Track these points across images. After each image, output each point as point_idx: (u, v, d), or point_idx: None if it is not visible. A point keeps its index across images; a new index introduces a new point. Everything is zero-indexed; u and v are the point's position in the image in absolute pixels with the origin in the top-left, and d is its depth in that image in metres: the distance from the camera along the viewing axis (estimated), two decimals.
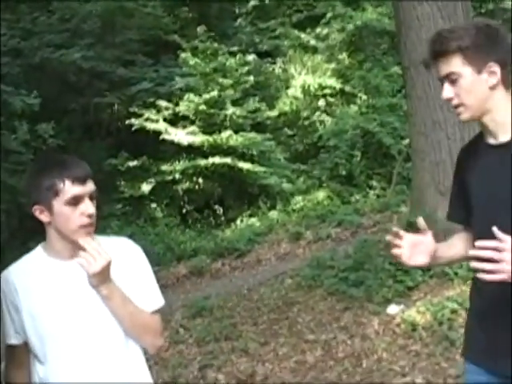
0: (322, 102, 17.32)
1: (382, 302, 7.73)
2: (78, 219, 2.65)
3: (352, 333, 7.30)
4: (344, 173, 15.49)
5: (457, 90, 2.58)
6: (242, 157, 15.65)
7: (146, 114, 15.62)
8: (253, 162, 15.61)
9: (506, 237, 2.32)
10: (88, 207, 2.68)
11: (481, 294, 2.75)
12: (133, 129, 15.66)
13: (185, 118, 15.88)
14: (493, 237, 2.37)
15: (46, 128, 14.02)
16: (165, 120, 15.73)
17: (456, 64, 2.56)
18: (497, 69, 2.56)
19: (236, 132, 15.61)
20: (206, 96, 15.65)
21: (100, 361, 2.73)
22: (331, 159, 15.55)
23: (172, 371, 7.41)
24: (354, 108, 16.57)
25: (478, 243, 2.36)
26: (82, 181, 2.69)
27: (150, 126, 15.56)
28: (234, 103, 16.07)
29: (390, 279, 8.05)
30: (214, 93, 15.72)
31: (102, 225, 15.14)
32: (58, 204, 2.63)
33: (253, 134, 15.69)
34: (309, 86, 17.20)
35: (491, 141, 2.67)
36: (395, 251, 2.79)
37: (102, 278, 2.63)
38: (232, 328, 8.36)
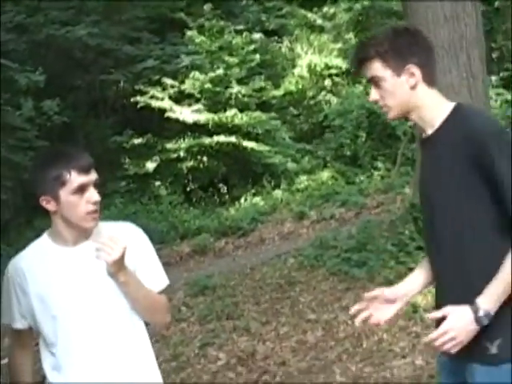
0: (327, 82, 17.29)
1: (383, 283, 7.72)
2: (84, 207, 2.73)
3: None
4: (349, 153, 15.48)
5: (381, 92, 2.71)
6: (247, 136, 15.64)
7: (152, 92, 15.60)
8: (257, 140, 15.60)
9: (446, 313, 2.57)
10: (93, 195, 2.76)
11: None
12: (138, 106, 15.66)
13: (190, 96, 15.86)
14: (430, 233, 2.74)
15: (51, 105, 14.04)
16: (170, 98, 15.71)
17: (377, 68, 2.69)
18: (415, 70, 2.68)
19: (241, 111, 15.58)
20: (212, 74, 15.62)
21: (108, 339, 2.83)
22: (336, 139, 15.54)
23: (173, 349, 7.45)
24: (359, 88, 16.51)
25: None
26: (86, 170, 2.75)
27: (155, 103, 15.54)
28: (240, 82, 16.02)
29: (392, 260, 8.06)
30: (220, 71, 15.69)
31: (106, 202, 15.20)
32: (65, 193, 2.71)
33: (258, 113, 15.66)
34: (315, 66, 17.15)
35: (423, 136, 2.80)
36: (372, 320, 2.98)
37: (119, 265, 2.72)
38: (234, 307, 8.40)
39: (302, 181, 14.98)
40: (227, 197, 15.89)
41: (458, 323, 2.55)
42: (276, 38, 18.54)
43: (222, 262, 11.54)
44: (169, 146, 15.85)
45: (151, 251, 2.98)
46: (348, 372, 6.04)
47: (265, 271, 9.76)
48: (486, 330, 2.58)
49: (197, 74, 15.59)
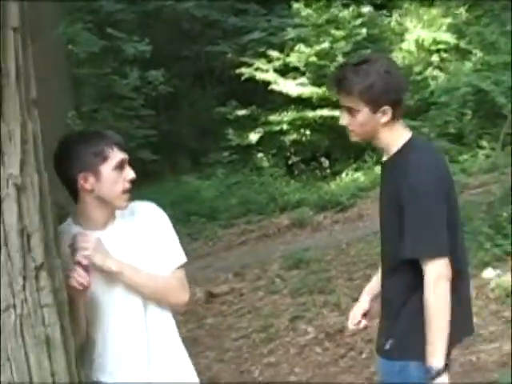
0: (435, 58, 16.93)
1: (478, 265, 7.62)
2: (122, 184, 2.75)
3: None
4: (454, 131, 15.15)
5: (352, 120, 3.02)
6: None
7: (257, 64, 15.65)
8: None
9: None
10: (130, 173, 2.78)
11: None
12: (243, 78, 15.74)
13: (295, 69, 15.83)
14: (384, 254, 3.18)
15: (156, 75, 14.32)
16: (275, 70, 15.71)
17: (356, 102, 2.98)
18: (389, 110, 2.98)
19: None
20: (317, 47, 15.53)
21: (141, 331, 2.85)
22: (441, 116, 15.22)
23: (264, 320, 7.56)
24: (468, 64, 16.09)
25: None
26: (124, 148, 2.79)
27: (260, 75, 15.59)
28: (345, 55, 15.85)
29: (488, 242, 7.91)
30: (326, 44, 15.58)
31: (207, 172, 15.47)
32: (106, 169, 2.71)
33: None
34: (423, 41, 16.82)
35: (383, 157, 3.16)
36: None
37: (101, 253, 2.71)
38: (326, 282, 8.43)
39: None
40: (328, 171, 15.85)
41: None
42: (385, 11, 18.26)
43: (318, 236, 11.57)
44: (272, 118, 15.89)
45: (169, 230, 2.93)
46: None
47: (360, 247, 9.74)
48: (386, 330, 3.15)
49: (302, 47, 15.55)
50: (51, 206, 2.42)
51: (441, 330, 2.89)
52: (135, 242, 2.83)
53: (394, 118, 3.02)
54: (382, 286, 3.19)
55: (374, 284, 3.42)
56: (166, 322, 2.93)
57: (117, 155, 2.73)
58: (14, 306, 2.25)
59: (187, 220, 13.31)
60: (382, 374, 3.24)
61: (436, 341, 2.88)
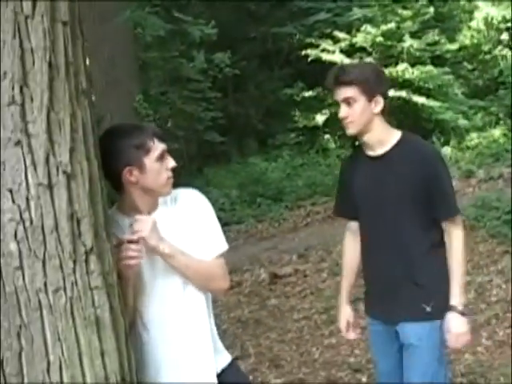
0: (504, 36, 16.61)
1: None
2: (165, 173, 2.86)
3: (508, 277, 7.20)
4: None
5: (350, 111, 3.47)
6: (418, 90, 15.33)
7: (323, 45, 15.57)
8: (429, 96, 15.26)
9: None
10: (171, 162, 2.89)
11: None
12: (309, 59, 15.70)
13: (361, 49, 15.68)
14: (379, 226, 3.61)
15: (223, 57, 14.37)
16: (341, 51, 15.60)
17: (354, 92, 3.44)
18: (381, 100, 3.50)
19: (413, 65, 15.30)
20: (384, 27, 15.36)
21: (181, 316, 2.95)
22: (510, 96, 14.99)
23: (326, 302, 7.60)
24: None
25: None
26: (163, 138, 2.89)
27: (326, 56, 15.48)
28: (413, 35, 15.68)
29: None
30: (392, 24, 15.40)
31: (274, 154, 15.51)
32: (150, 161, 2.81)
33: (430, 68, 15.31)
34: (492, 19, 16.52)
35: (370, 153, 3.59)
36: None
37: (156, 235, 2.80)
38: None
39: (473, 138, 14.57)
40: None
41: (453, 328, 3.50)
42: None
43: None
44: None
45: (211, 217, 3.01)
46: (495, 336, 5.99)
47: None
48: (423, 295, 3.55)
49: (369, 27, 15.39)
50: (101, 192, 2.52)
51: (465, 275, 3.68)
52: (178, 228, 2.92)
53: (383, 112, 3.53)
54: (388, 261, 3.63)
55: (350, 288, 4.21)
56: (201, 305, 3.02)
57: (158, 147, 2.84)
58: (65, 289, 2.35)
59: (253, 201, 13.40)
60: (420, 337, 3.58)
61: (463, 283, 3.59)
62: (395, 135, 3.59)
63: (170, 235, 2.87)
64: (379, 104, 3.49)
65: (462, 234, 3.59)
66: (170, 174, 2.88)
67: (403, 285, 3.61)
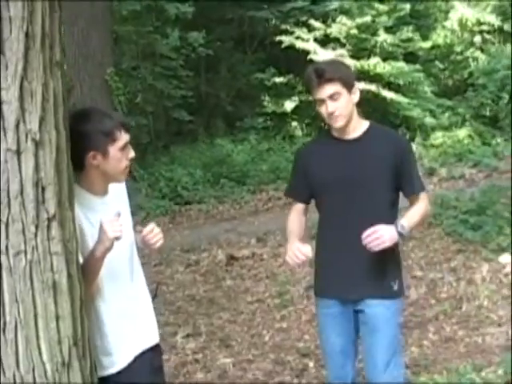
0: (477, 38, 16.81)
1: (495, 250, 7.73)
2: (124, 162, 3.06)
3: (459, 275, 7.36)
4: (489, 113, 15.14)
5: (337, 104, 3.69)
6: (388, 85, 15.49)
7: (297, 33, 15.62)
8: (398, 91, 15.42)
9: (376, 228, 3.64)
10: (132, 152, 3.09)
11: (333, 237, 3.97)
12: (283, 46, 15.75)
13: (335, 40, 15.78)
14: (350, 204, 3.79)
15: (197, 36, 14.36)
16: (315, 40, 15.65)
17: (338, 87, 3.68)
18: (357, 90, 3.80)
19: (385, 60, 15.43)
20: (359, 20, 15.47)
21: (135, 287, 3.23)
22: (478, 98, 15.20)
23: (280, 286, 7.71)
24: (509, 48, 15.96)
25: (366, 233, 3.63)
26: (128, 129, 3.08)
27: (300, 44, 15.55)
28: (387, 30, 15.80)
29: (508, 228, 8.00)
30: (368, 18, 15.51)
31: (241, 136, 15.55)
32: (114, 149, 3.00)
33: (401, 64, 15.47)
34: (466, 20, 16.70)
35: (345, 137, 3.84)
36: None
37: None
38: None
39: (438, 137, 14.74)
40: None
41: (385, 229, 3.63)
42: None
43: None
44: None
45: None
46: (441, 332, 6.13)
47: None
48: (390, 273, 3.83)
49: (344, 18, 15.48)
50: (67, 162, 2.59)
51: (420, 225, 4.28)
52: (123, 209, 3.15)
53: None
54: (356, 238, 3.67)
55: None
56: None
57: (123, 137, 3.03)
58: (25, 252, 2.43)
59: (217, 182, 13.47)
60: (386, 315, 3.83)
61: (413, 222, 3.79)
62: (364, 122, 3.91)
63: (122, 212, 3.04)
64: (356, 93, 3.79)
65: (427, 205, 3.92)
66: (128, 163, 3.08)
67: (371, 263, 3.76)
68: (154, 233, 3.18)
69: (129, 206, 3.31)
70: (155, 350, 3.28)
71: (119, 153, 3.00)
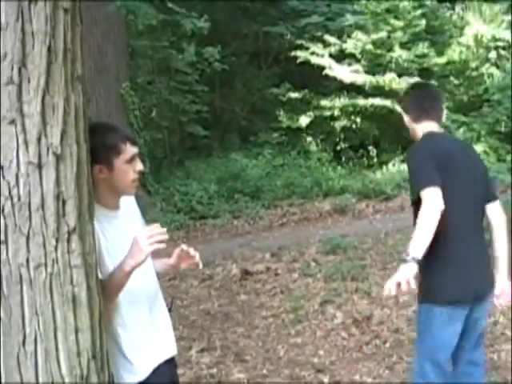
0: (492, 54, 16.80)
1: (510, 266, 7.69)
2: (132, 175, 3.05)
3: None
4: (504, 129, 15.11)
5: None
6: None
7: (313, 48, 15.69)
8: None
9: None
10: (140, 165, 3.09)
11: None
12: (298, 61, 15.80)
13: (350, 55, 15.85)
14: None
15: (213, 52, 14.44)
16: (330, 55, 15.74)
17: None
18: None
19: (400, 75, 15.46)
20: (375, 36, 15.54)
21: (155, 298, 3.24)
22: (493, 114, 15.18)
23: (295, 302, 7.70)
24: None
25: None
26: (135, 142, 3.09)
27: (315, 60, 15.63)
28: (402, 46, 15.85)
29: None
30: (383, 33, 15.58)
31: (255, 151, 15.60)
32: (119, 162, 3.00)
33: (416, 80, 15.47)
34: (481, 36, 16.67)
35: None
36: None
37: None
38: (360, 269, 8.56)
39: None
40: (375, 160, 15.89)
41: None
42: (447, 4, 18.12)
43: (358, 224, 11.69)
44: (324, 103, 15.94)
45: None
46: None
47: (398, 238, 9.84)
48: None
49: (359, 34, 15.56)
50: (88, 175, 2.61)
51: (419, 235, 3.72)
52: (136, 224, 3.21)
53: None
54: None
55: None
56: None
57: (129, 150, 3.03)
58: (46, 265, 2.44)
59: (231, 197, 13.50)
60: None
61: (419, 240, 3.69)
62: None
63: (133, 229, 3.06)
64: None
65: (422, 211, 3.70)
66: (136, 176, 3.07)
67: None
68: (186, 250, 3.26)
69: (142, 219, 3.32)
70: (171, 362, 3.28)
71: (125, 165, 3.01)
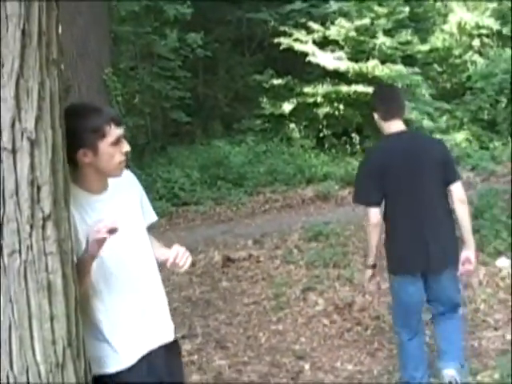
0: (476, 42, 16.83)
1: (492, 253, 7.72)
2: (118, 157, 2.96)
3: None
4: (487, 117, 15.14)
5: None
6: None
7: (296, 35, 15.64)
8: None
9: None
10: (126, 146, 2.99)
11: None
12: (281, 48, 15.74)
13: (334, 42, 15.81)
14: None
15: (196, 37, 14.36)
16: (314, 42, 15.69)
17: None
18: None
19: (383, 62, 15.44)
20: (358, 22, 15.50)
21: (143, 280, 3.11)
22: (476, 102, 15.22)
23: (277, 288, 7.69)
24: (508, 52, 15.98)
25: None
26: (120, 123, 2.98)
27: (299, 46, 15.58)
28: (386, 33, 15.83)
29: (505, 232, 7.99)
30: (367, 20, 15.54)
31: (238, 138, 15.55)
32: (104, 145, 2.91)
33: (400, 67, 15.48)
34: (465, 24, 16.71)
35: None
36: None
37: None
38: (342, 256, 8.55)
39: None
40: (358, 147, 15.86)
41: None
42: None
43: (341, 211, 11.67)
44: (307, 89, 15.89)
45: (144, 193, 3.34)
46: None
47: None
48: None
49: (343, 21, 15.52)
50: (63, 161, 2.56)
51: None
52: (126, 204, 3.11)
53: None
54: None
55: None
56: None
57: (114, 132, 2.93)
58: (20, 252, 2.40)
59: (214, 184, 13.46)
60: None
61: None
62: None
63: (121, 212, 3.00)
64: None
65: (367, 223, 4.86)
66: (122, 158, 2.98)
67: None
68: (180, 255, 3.17)
69: (142, 196, 3.27)
70: (169, 349, 3.18)
71: (111, 148, 2.92)
